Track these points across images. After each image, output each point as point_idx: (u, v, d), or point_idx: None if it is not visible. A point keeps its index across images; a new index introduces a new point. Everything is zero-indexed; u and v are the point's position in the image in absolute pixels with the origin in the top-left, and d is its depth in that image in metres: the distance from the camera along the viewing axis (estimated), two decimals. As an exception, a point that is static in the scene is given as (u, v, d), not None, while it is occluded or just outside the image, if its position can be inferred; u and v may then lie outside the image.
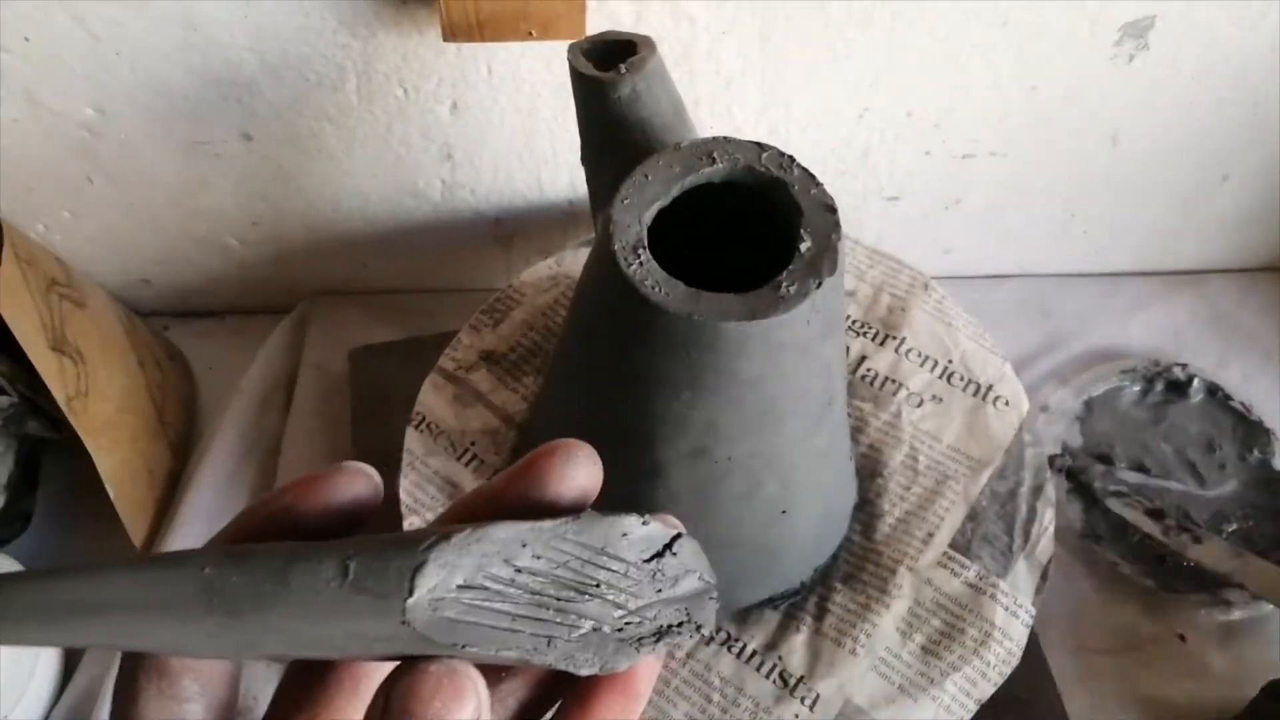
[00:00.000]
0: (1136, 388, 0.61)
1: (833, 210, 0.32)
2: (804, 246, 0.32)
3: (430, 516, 0.45)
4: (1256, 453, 0.58)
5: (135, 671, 0.20)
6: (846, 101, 0.54)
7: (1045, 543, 0.44)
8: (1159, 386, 0.61)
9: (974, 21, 0.50)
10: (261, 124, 0.53)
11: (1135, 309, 0.66)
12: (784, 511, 0.38)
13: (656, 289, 0.31)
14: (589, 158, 0.42)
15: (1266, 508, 0.56)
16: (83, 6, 0.46)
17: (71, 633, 0.19)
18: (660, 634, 0.20)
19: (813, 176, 0.33)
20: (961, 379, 0.48)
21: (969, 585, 0.42)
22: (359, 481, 0.21)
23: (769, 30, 0.50)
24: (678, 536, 0.21)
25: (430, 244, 0.62)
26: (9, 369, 0.50)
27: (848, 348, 0.49)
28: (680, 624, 0.20)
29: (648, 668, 0.20)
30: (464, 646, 0.18)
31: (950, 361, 0.49)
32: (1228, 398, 0.60)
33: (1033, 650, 0.43)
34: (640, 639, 0.20)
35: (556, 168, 0.57)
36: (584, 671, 0.19)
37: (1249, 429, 0.59)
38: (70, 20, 0.46)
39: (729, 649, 0.42)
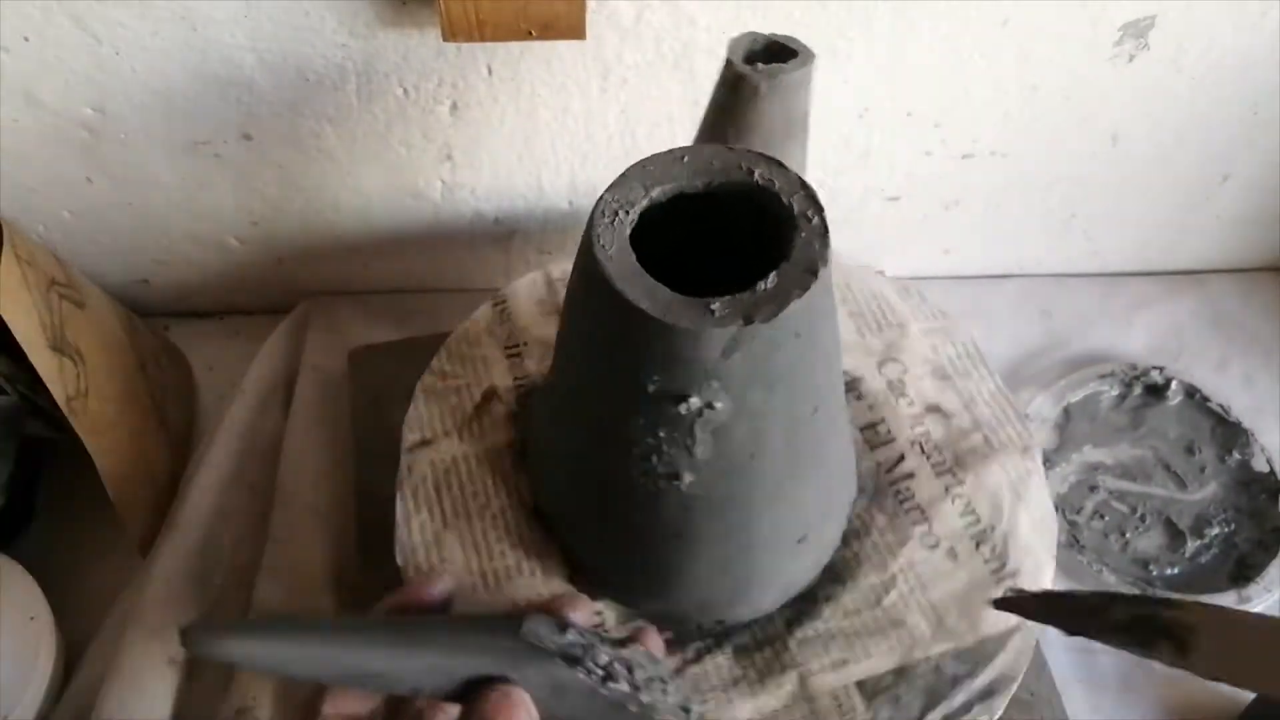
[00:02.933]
0: (1114, 392, 0.61)
1: (813, 273, 0.31)
2: (761, 286, 0.31)
3: (450, 375, 0.48)
4: (1236, 454, 0.58)
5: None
6: (846, 101, 0.54)
7: None
8: (1137, 390, 0.61)
9: (974, 21, 0.50)
10: (261, 124, 0.53)
11: (1136, 309, 0.66)
12: (679, 536, 0.37)
13: (607, 248, 0.31)
14: (698, 140, 0.44)
15: (1248, 509, 0.56)
16: (83, 6, 0.46)
17: (291, 649, 0.29)
18: None
19: (825, 234, 0.32)
20: (992, 551, 0.43)
21: None
22: (447, 581, 0.34)
23: (769, 30, 0.50)
24: (675, 673, 0.33)
25: (430, 244, 0.62)
26: (9, 369, 0.50)
27: (902, 456, 0.46)
28: None
29: None
30: (555, 657, 0.30)
31: (993, 530, 0.44)
32: (1206, 399, 0.60)
33: (1033, 650, 0.42)
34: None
35: (556, 168, 0.57)
36: None
37: (1228, 430, 0.59)
38: (70, 20, 0.46)
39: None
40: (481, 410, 0.46)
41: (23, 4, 0.46)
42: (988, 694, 0.40)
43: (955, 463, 0.46)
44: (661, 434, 0.34)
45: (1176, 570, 0.54)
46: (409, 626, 0.31)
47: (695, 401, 0.32)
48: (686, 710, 0.32)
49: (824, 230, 0.33)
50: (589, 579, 0.42)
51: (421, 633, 0.30)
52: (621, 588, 0.42)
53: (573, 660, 0.30)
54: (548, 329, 0.49)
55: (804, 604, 0.42)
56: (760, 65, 0.40)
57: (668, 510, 0.37)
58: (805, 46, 0.41)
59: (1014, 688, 0.41)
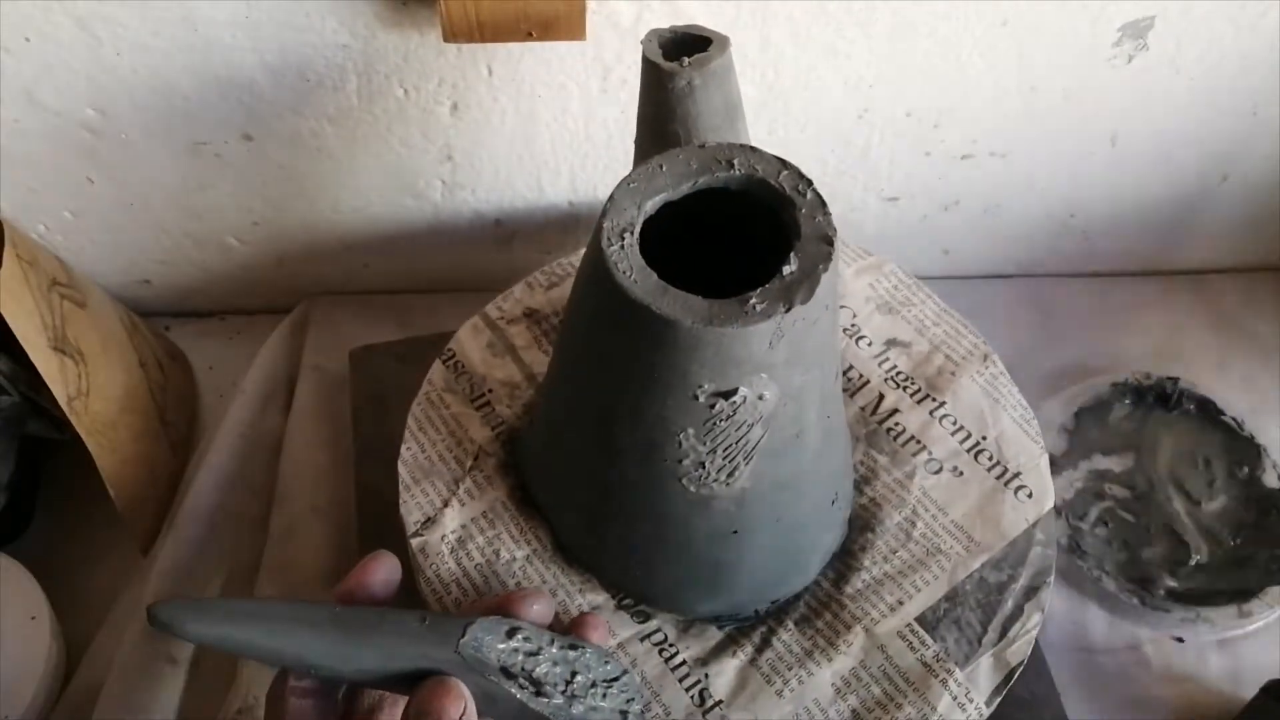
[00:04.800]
0: (1127, 400, 0.60)
1: (829, 243, 0.32)
2: (787, 270, 0.31)
3: (428, 443, 0.46)
4: (1246, 469, 0.57)
5: (282, 686, 0.32)
6: (846, 101, 0.54)
7: (1020, 645, 0.41)
8: (1149, 399, 0.60)
9: (974, 21, 0.50)
10: (262, 124, 0.53)
11: (1135, 309, 0.66)
12: (735, 532, 0.38)
13: (627, 274, 0.31)
14: (639, 145, 0.43)
15: (1254, 525, 0.55)
16: (83, 6, 0.46)
17: (245, 633, 0.30)
18: None
19: (823, 204, 0.33)
20: (990, 458, 0.46)
21: (923, 663, 0.40)
22: (392, 563, 0.34)
23: (769, 30, 0.50)
24: (625, 672, 0.35)
25: (430, 244, 0.62)
26: (10, 369, 0.50)
27: (881, 395, 0.47)
28: None
29: None
30: (488, 676, 0.32)
31: (984, 439, 0.46)
32: (1219, 412, 0.59)
33: (1033, 650, 0.42)
34: None
35: (556, 168, 0.57)
36: None
37: (1239, 445, 0.58)
38: (71, 20, 0.46)
39: (660, 652, 0.41)
40: (473, 470, 0.45)
41: (23, 4, 0.46)
42: (1033, 591, 0.42)
43: (929, 387, 0.48)
44: (713, 439, 0.34)
45: (1178, 583, 0.53)
46: (353, 626, 0.31)
47: (747, 396, 0.32)
48: (624, 714, 0.34)
49: (820, 200, 0.33)
50: (638, 600, 0.42)
51: (363, 636, 0.31)
52: (676, 599, 0.42)
53: (508, 674, 0.32)
54: (505, 370, 0.49)
55: (843, 560, 0.44)
56: (686, 59, 0.39)
57: (721, 511, 0.37)
58: (715, 31, 0.41)
59: (1052, 578, 0.43)
